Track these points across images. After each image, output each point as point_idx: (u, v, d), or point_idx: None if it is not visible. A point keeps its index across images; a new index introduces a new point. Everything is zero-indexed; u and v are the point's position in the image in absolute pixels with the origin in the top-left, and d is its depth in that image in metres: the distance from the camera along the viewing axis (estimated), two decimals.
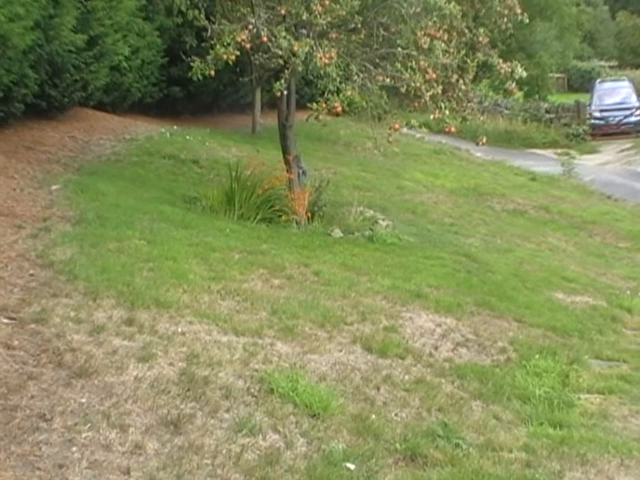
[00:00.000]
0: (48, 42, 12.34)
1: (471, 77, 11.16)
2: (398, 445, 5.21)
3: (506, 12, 11.16)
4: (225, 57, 10.12)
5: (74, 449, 4.25)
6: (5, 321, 5.62)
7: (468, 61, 10.85)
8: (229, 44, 10.06)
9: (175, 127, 17.85)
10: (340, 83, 10.09)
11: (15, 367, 4.98)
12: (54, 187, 10.03)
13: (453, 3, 10.25)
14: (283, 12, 10.42)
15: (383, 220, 12.39)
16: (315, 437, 5.07)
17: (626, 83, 33.41)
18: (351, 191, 14.71)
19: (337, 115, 11.43)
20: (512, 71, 10.79)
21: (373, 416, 5.56)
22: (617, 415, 6.46)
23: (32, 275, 6.68)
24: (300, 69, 10.26)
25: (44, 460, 4.10)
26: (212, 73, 10.49)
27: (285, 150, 12.15)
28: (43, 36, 12.02)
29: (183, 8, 11.48)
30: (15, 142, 12.11)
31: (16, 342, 5.32)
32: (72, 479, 4.01)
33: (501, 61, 10.91)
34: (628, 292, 10.56)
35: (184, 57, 11.80)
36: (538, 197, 18.51)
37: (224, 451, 4.62)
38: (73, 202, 9.38)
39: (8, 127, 12.51)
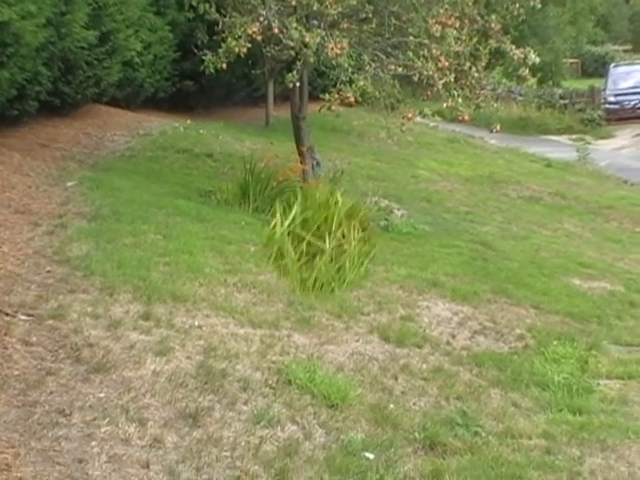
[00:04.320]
0: (60, 39, 12.36)
1: (484, 64, 11.07)
2: (417, 434, 5.22)
3: None
4: (237, 50, 10.11)
5: (93, 444, 4.27)
6: (23, 318, 5.65)
7: (480, 48, 10.77)
8: (240, 37, 10.05)
9: (188, 121, 17.86)
10: (352, 73, 10.05)
11: (34, 363, 5.01)
12: (69, 184, 10.05)
13: None
14: (294, 3, 10.37)
15: (398, 209, 12.36)
16: (334, 427, 5.08)
17: None
18: (365, 181, 14.69)
19: (350, 106, 11.39)
20: (525, 57, 10.70)
21: (391, 405, 5.57)
22: (637, 400, 6.43)
23: (49, 272, 6.71)
24: (312, 60, 10.27)
25: (64, 455, 4.12)
26: (224, 66, 10.50)
27: (299, 142, 12.14)
28: (55, 33, 12.04)
29: (194, 2, 11.49)
30: (30, 140, 12.15)
31: (34, 338, 5.35)
32: (92, 473, 4.03)
33: (514, 47, 10.82)
34: None
35: (196, 51, 11.78)
36: (554, 183, 18.41)
37: (243, 443, 4.63)
38: (88, 198, 9.40)
39: (23, 125, 12.55)
